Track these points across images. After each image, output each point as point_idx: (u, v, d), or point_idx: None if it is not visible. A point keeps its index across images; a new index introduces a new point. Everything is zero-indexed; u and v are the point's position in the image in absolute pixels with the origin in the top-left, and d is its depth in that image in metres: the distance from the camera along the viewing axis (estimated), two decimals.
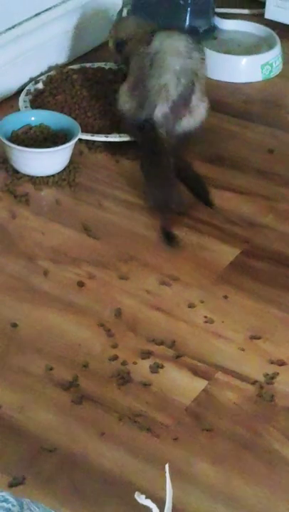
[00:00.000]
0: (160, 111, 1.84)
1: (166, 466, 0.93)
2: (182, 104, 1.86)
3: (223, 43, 2.27)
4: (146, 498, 0.90)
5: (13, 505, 0.87)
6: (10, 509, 0.85)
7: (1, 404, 1.34)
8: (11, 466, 1.25)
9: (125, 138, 1.91)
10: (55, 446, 1.28)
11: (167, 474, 0.92)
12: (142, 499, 0.90)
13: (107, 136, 1.91)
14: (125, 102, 1.88)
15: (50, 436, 1.30)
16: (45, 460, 1.27)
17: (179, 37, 1.91)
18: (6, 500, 0.87)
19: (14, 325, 1.49)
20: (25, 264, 1.62)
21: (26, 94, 2.00)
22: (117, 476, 1.25)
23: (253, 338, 1.49)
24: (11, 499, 0.88)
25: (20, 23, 2.06)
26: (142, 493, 0.91)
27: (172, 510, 0.92)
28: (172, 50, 1.87)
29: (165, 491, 0.92)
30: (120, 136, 1.91)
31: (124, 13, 2.29)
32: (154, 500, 0.92)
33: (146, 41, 1.89)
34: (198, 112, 1.89)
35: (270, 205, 1.80)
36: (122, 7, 2.32)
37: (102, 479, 1.25)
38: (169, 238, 1.69)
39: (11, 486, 1.22)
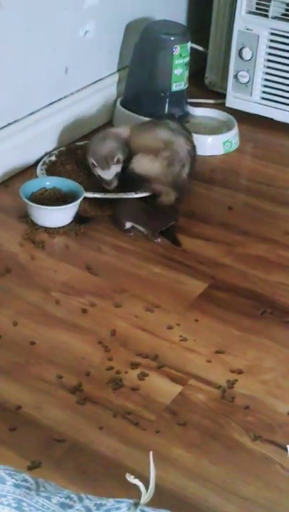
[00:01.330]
0: (186, 169, 1.88)
1: (150, 453, 0.92)
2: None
3: (194, 125, 2.27)
4: (134, 477, 0.90)
5: (31, 484, 0.86)
6: (29, 487, 0.85)
7: (22, 404, 1.34)
8: (30, 453, 1.24)
9: (120, 195, 1.90)
10: (64, 437, 1.28)
11: (151, 459, 0.92)
12: (131, 479, 0.89)
13: (105, 194, 1.91)
14: (148, 166, 1.88)
15: (60, 429, 1.29)
16: (56, 448, 1.26)
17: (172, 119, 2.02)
18: (25, 480, 0.86)
19: (32, 342, 1.48)
20: (41, 295, 1.61)
21: (42, 164, 2.00)
22: (113, 460, 1.24)
23: (218, 352, 1.49)
24: (30, 479, 0.87)
25: (38, 110, 2.07)
26: (131, 473, 0.90)
27: (155, 487, 0.91)
28: (181, 125, 1.96)
29: (149, 472, 0.92)
30: (116, 194, 1.90)
31: (118, 103, 2.30)
32: (140, 479, 0.91)
33: (157, 125, 1.94)
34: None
35: (229, 249, 1.80)
36: (116, 98, 2.34)
37: (101, 463, 1.24)
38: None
39: (29, 468, 1.21)
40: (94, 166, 1.90)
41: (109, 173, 1.90)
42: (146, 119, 2.19)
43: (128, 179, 1.91)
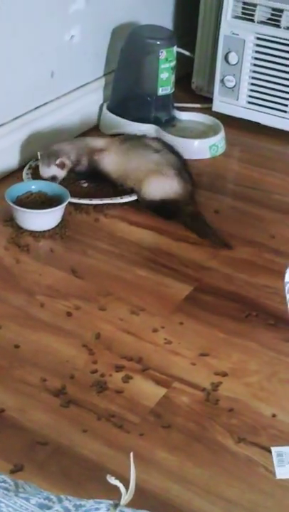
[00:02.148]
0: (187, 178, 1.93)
1: (131, 454, 0.92)
2: None
3: (180, 129, 2.28)
4: (115, 479, 0.89)
5: (10, 485, 0.86)
6: (7, 488, 0.84)
7: (5, 407, 1.33)
8: (13, 456, 1.24)
9: (105, 201, 1.91)
10: (47, 440, 1.27)
11: (132, 460, 0.91)
12: (112, 480, 0.89)
13: (90, 200, 1.91)
14: (167, 187, 1.90)
15: (43, 432, 1.29)
16: (39, 451, 1.25)
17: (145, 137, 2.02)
18: (4, 481, 0.86)
19: (17, 346, 1.47)
20: (26, 298, 1.61)
21: (28, 168, 2.00)
22: (96, 463, 1.24)
23: (202, 355, 1.48)
24: (8, 480, 0.87)
25: (24, 114, 2.07)
26: (115, 476, 0.90)
27: (136, 488, 0.90)
28: (159, 139, 2.02)
29: (130, 472, 0.91)
30: (101, 200, 1.91)
31: (105, 107, 2.30)
32: (124, 483, 0.91)
33: (141, 148, 1.94)
34: None
35: (215, 252, 1.79)
36: (103, 102, 2.34)
37: (84, 466, 1.23)
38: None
39: (12, 472, 1.20)
40: (38, 159, 1.94)
41: (46, 172, 1.91)
42: (134, 123, 2.20)
43: (150, 208, 1.91)
